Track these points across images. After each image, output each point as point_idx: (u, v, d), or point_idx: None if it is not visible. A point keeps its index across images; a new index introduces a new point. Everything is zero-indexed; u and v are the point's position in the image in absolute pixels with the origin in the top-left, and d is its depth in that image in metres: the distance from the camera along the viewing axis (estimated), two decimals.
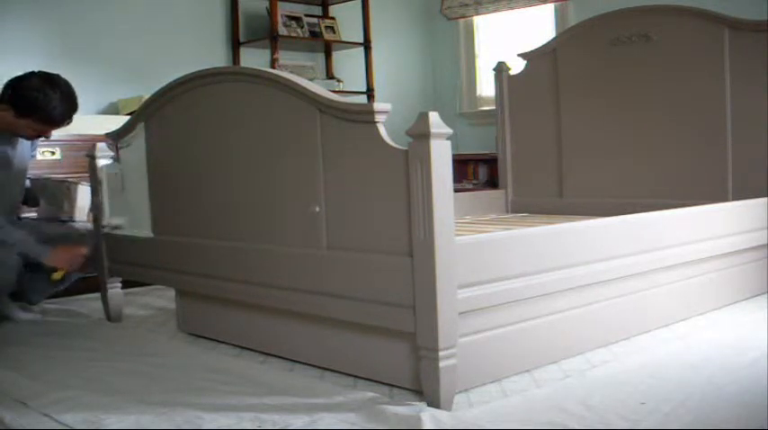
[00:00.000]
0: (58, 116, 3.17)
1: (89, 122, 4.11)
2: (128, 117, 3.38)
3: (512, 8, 5.88)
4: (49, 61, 4.48)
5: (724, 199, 3.59)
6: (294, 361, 2.57)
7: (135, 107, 3.94)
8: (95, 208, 3.23)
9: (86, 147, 3.35)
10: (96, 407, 2.15)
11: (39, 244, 3.18)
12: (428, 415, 1.96)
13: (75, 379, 2.44)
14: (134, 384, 2.37)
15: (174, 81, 2.85)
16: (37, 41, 4.57)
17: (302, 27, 5.60)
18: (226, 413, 2.07)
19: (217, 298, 2.77)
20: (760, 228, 3.19)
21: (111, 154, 3.20)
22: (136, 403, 2.17)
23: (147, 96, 3.12)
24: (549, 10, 5.77)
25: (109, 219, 3.18)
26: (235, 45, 5.45)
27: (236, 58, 5.45)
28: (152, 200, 3.01)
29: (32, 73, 3.17)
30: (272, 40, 5.33)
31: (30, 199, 3.52)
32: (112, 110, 4.78)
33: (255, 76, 2.53)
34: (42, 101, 3.10)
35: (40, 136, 3.27)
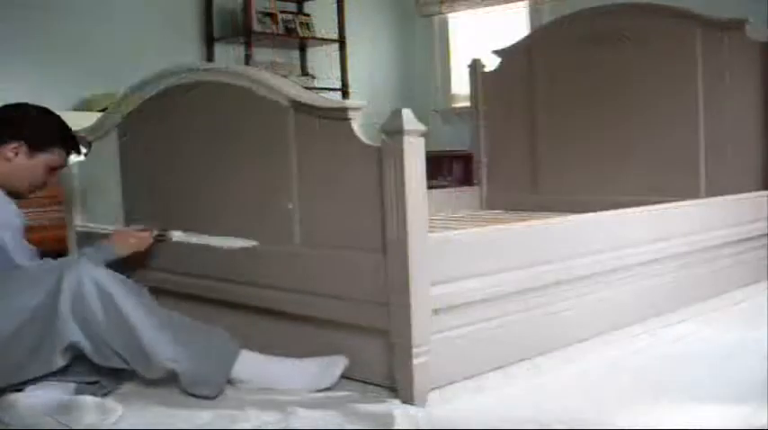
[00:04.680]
0: (76, 138, 2.63)
1: None
2: (100, 113, 3.35)
3: (486, 5, 5.89)
4: (18, 57, 4.44)
5: (696, 196, 3.62)
6: None
7: (107, 103, 3.90)
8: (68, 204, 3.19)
9: None
10: None
11: (98, 248, 2.55)
12: (402, 412, 1.96)
13: None
14: None
15: (147, 78, 2.83)
16: (5, 37, 4.52)
17: (277, 23, 5.58)
18: (200, 410, 2.06)
19: (190, 295, 2.76)
20: (733, 224, 3.22)
21: (84, 150, 3.17)
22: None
23: (119, 92, 3.10)
24: (523, 8, 5.78)
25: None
26: (209, 41, 5.43)
27: (210, 54, 5.43)
28: (125, 199, 2.99)
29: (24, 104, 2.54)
30: (247, 36, 5.31)
31: None
32: (84, 106, 4.74)
33: (228, 73, 2.52)
34: (60, 125, 2.54)
35: (45, 184, 2.56)
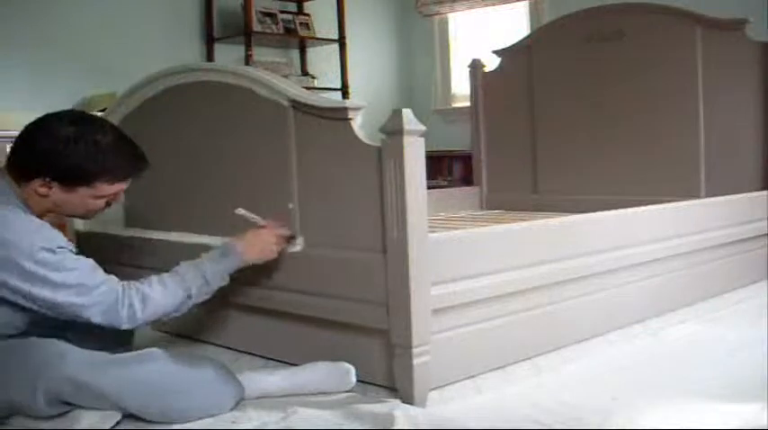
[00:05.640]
0: (138, 161, 2.14)
1: None
2: (100, 113, 3.34)
3: (486, 5, 5.89)
4: (19, 57, 4.44)
5: (696, 195, 3.62)
6: (268, 358, 2.56)
7: (107, 103, 3.90)
8: None
9: None
10: None
11: (223, 254, 2.21)
12: (402, 412, 1.96)
13: None
14: None
15: (147, 77, 2.83)
16: (5, 37, 4.51)
17: (277, 23, 5.58)
18: None
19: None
20: (733, 224, 3.22)
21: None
22: None
23: (119, 92, 3.10)
24: (523, 8, 5.78)
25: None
26: (209, 41, 5.42)
27: (210, 54, 5.42)
28: (125, 199, 2.98)
29: (53, 116, 2.01)
30: (247, 36, 5.31)
31: None
32: (84, 106, 4.73)
33: (228, 72, 2.52)
34: (98, 154, 1.99)
35: (108, 204, 2.13)
